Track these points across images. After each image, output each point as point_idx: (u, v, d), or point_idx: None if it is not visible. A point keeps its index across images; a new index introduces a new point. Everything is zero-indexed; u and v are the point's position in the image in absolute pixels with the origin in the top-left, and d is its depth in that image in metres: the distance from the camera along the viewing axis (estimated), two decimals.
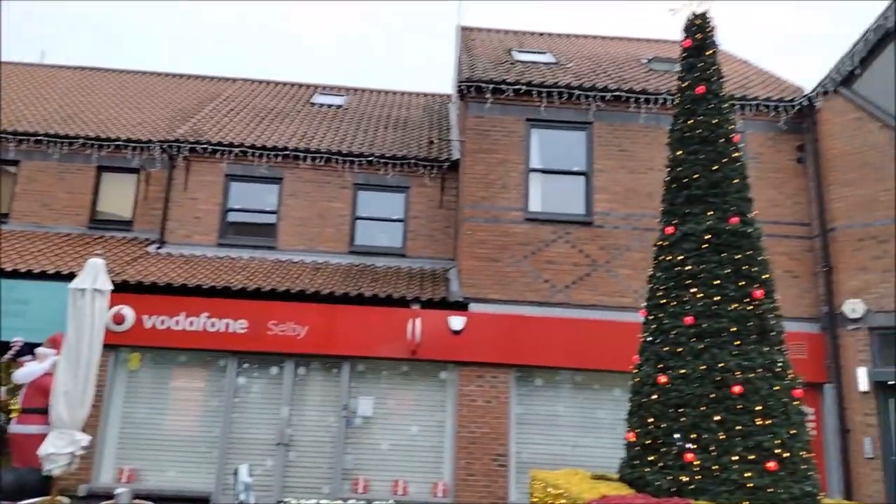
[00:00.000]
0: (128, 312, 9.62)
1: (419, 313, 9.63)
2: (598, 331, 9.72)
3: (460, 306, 9.96)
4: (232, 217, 11.79)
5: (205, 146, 11.75)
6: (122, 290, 9.57)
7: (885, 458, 8.94)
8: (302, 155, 11.82)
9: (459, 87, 10.90)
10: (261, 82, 16.00)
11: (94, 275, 7.23)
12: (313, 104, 14.54)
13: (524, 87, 10.63)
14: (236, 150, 11.77)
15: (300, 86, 15.93)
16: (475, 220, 10.28)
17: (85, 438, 6.91)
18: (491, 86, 10.60)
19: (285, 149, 11.80)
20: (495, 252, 10.16)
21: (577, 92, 10.64)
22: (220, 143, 11.74)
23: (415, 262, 11.60)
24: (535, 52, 13.04)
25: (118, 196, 12.34)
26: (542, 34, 15.02)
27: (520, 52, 13.03)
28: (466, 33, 14.46)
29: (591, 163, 10.60)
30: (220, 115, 13.24)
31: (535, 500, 6.00)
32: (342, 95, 15.39)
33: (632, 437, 5.52)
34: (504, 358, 9.74)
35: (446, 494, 9.46)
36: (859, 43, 10.11)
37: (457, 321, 9.76)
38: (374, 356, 9.80)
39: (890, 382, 9.10)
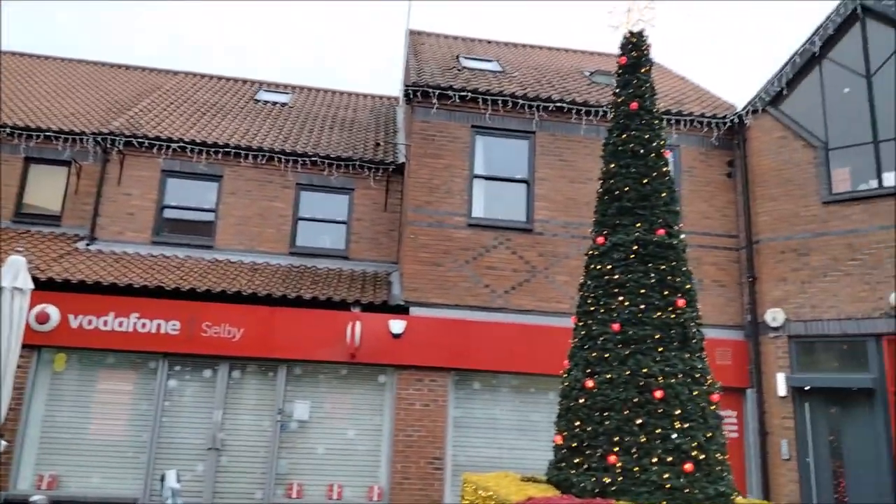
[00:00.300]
0: (52, 311, 9.22)
1: (359, 316, 9.60)
2: (536, 335, 9.91)
3: (401, 310, 9.98)
4: (168, 214, 11.47)
5: (141, 140, 11.40)
6: (48, 287, 9.19)
7: (800, 459, 9.44)
8: (243, 152, 11.60)
9: (406, 91, 10.93)
10: (203, 76, 15.62)
11: (15, 272, 6.94)
12: (257, 101, 14.30)
13: (470, 95, 10.75)
14: (175, 145, 11.46)
15: (244, 82, 15.64)
16: (419, 224, 10.32)
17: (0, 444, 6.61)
18: (437, 91, 10.67)
19: (226, 146, 11.56)
20: (438, 256, 10.23)
21: (521, 101, 10.83)
22: (157, 138, 11.41)
23: (357, 264, 11.55)
24: (482, 60, 13.21)
25: (47, 189, 11.83)
26: (490, 42, 15.22)
27: (467, 58, 13.16)
28: (415, 37, 14.52)
29: (532, 171, 10.80)
30: (160, 109, 12.87)
31: (465, 502, 6.08)
32: (287, 93, 15.19)
33: (559, 440, 5.67)
34: (443, 362, 9.81)
35: (381, 498, 9.44)
36: (787, 65, 10.66)
37: (397, 325, 9.77)
38: (311, 359, 9.71)
39: (806, 388, 9.62)
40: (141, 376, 9.61)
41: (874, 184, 9.72)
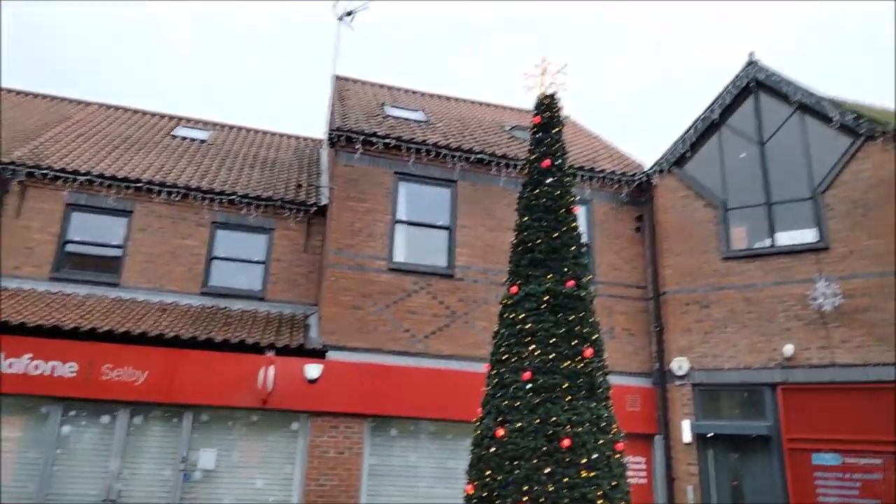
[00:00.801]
0: None
1: (272, 360, 9.32)
2: (454, 381, 9.92)
3: (318, 354, 9.78)
4: (70, 249, 10.84)
5: (45, 171, 10.82)
6: None
7: None
8: (157, 188, 11.20)
9: (331, 135, 10.98)
10: (118, 109, 15.06)
11: None
12: (174, 136, 13.92)
13: (394, 142, 10.91)
14: (82, 178, 10.93)
15: (162, 116, 15.21)
16: (339, 266, 10.25)
17: None
18: (362, 137, 10.78)
19: (138, 181, 11.14)
20: (358, 299, 10.15)
21: (444, 151, 11.09)
22: (62, 170, 10.85)
23: (274, 306, 11.26)
24: (407, 109, 13.48)
25: None
26: (414, 92, 15.57)
27: (392, 107, 13.40)
28: (342, 83, 14.66)
29: (454, 218, 11.01)
30: (68, 140, 12.29)
31: None
32: (207, 130, 14.88)
33: (470, 489, 5.66)
34: (360, 408, 9.63)
35: None
36: (690, 129, 11.47)
37: (313, 369, 9.55)
38: (220, 405, 9.30)
39: (709, 435, 10.05)
40: (30, 422, 8.90)
41: (768, 242, 10.50)
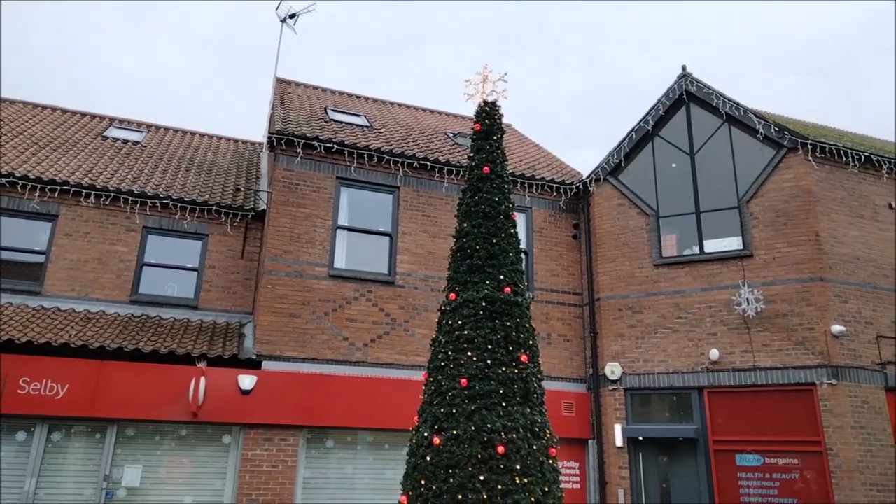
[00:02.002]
0: None
1: (204, 371, 9.02)
2: (394, 390, 9.86)
3: (253, 364, 9.53)
4: None
5: None
6: None
7: None
8: (85, 191, 10.71)
9: (270, 138, 10.77)
10: (45, 108, 14.33)
11: None
12: (106, 137, 13.35)
13: (336, 146, 10.80)
14: (3, 179, 10.34)
15: (93, 117, 14.56)
16: (276, 273, 10.04)
17: None
18: (303, 141, 10.62)
19: (65, 183, 10.62)
20: (295, 307, 9.96)
21: (386, 156, 11.05)
22: None
23: (207, 314, 10.92)
24: (350, 114, 13.37)
25: None
26: (358, 97, 15.47)
27: (335, 111, 13.26)
28: (283, 86, 14.43)
29: (396, 225, 10.97)
30: None
31: None
32: (141, 132, 14.34)
33: (404, 500, 5.59)
34: (295, 419, 9.43)
35: None
36: (625, 140, 11.81)
37: (247, 380, 9.29)
38: (147, 419, 8.92)
39: (640, 438, 10.32)
40: None
41: (696, 250, 10.90)
